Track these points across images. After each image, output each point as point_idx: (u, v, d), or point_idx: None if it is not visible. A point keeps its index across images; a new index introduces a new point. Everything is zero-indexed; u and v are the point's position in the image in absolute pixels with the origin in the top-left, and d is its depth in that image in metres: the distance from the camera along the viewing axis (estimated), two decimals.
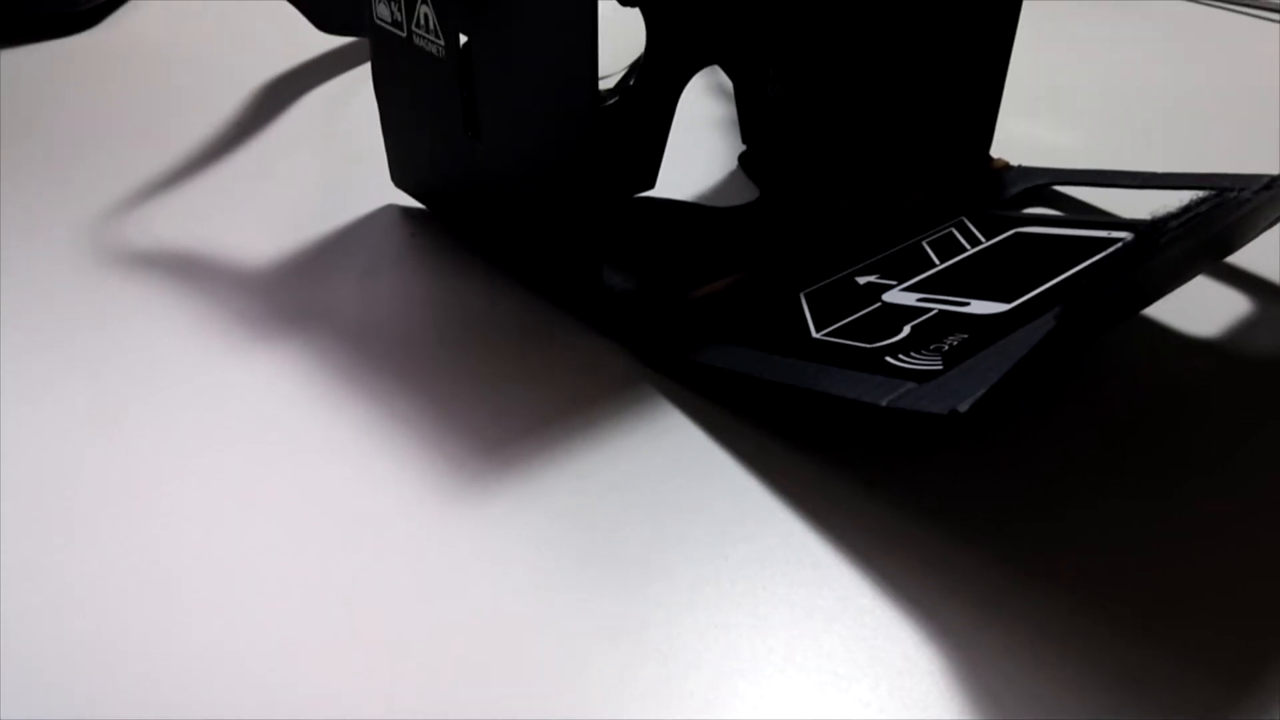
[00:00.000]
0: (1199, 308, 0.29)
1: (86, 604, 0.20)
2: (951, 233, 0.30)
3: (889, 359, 0.24)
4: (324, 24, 0.41)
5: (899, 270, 0.29)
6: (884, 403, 0.22)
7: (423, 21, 0.28)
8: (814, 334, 0.26)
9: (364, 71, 0.41)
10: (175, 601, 0.21)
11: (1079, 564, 0.22)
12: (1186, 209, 0.17)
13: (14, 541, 0.22)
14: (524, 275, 0.30)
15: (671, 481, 0.23)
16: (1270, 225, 0.26)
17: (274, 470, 0.24)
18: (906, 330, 0.25)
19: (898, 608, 0.21)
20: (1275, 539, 0.22)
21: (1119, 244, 0.17)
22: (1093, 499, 0.23)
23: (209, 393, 0.26)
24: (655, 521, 0.22)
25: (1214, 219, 0.18)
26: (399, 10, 0.29)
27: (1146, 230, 0.17)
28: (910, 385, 0.22)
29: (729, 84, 0.35)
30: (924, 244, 0.30)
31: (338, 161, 0.35)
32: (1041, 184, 0.34)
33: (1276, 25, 0.47)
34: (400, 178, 0.33)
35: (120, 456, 0.24)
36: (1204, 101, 0.40)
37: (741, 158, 0.36)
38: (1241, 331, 0.28)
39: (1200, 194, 0.18)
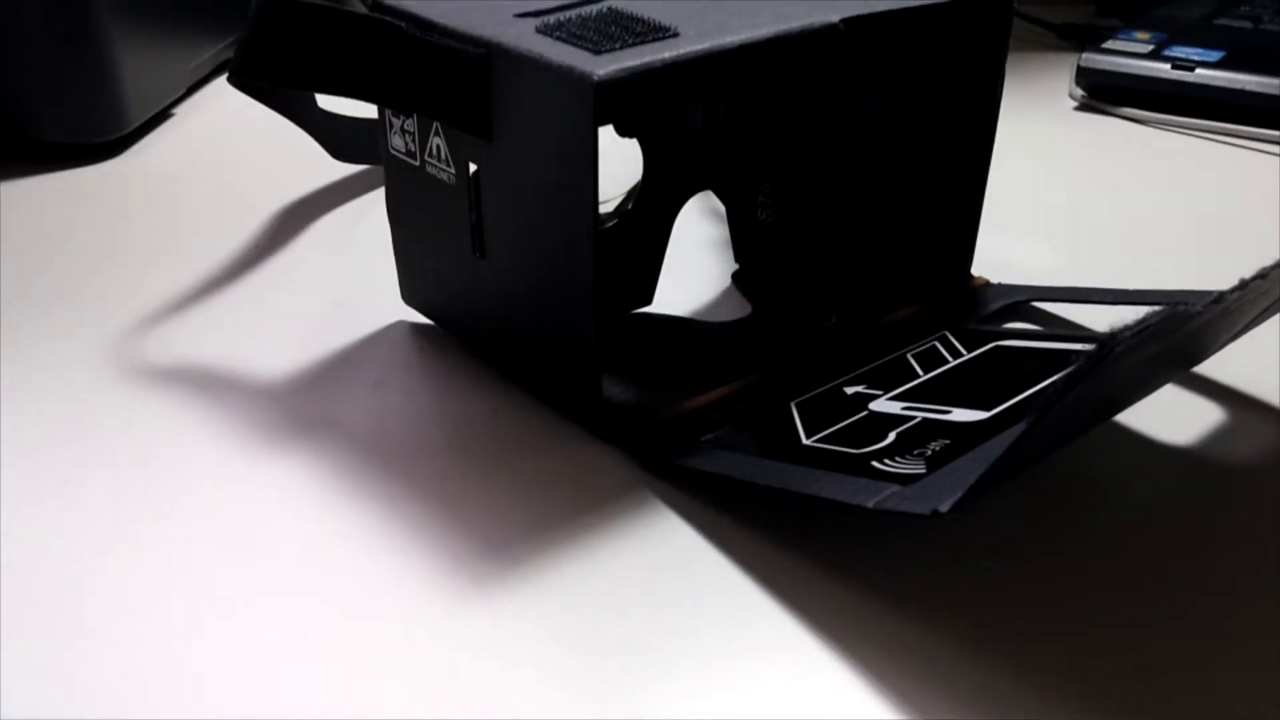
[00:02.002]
0: (1172, 416, 0.30)
1: (104, 701, 0.21)
2: (935, 346, 0.32)
3: (875, 463, 0.25)
4: (339, 153, 0.43)
5: (885, 381, 0.30)
6: (871, 504, 0.23)
7: (435, 151, 0.30)
8: (804, 440, 0.27)
9: (374, 197, 0.43)
10: (190, 694, 0.21)
11: (1059, 660, 0.22)
12: (1141, 321, 0.19)
13: (35, 641, 0.23)
14: (527, 386, 0.31)
15: (669, 581, 0.24)
16: (1234, 337, 0.28)
17: (287, 571, 0.25)
18: (892, 437, 0.26)
19: (887, 701, 0.21)
20: (1249, 642, 0.23)
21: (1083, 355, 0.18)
22: (1078, 607, 0.24)
23: (226, 498, 0.27)
24: (654, 620, 0.23)
25: (1166, 330, 0.19)
26: (412, 141, 0.31)
27: (1103, 341, 0.18)
28: (895, 487, 0.23)
29: (722, 207, 0.37)
30: (909, 356, 0.31)
31: (350, 280, 0.37)
32: (1020, 300, 0.35)
33: (1243, 150, 0.50)
34: (410, 295, 0.34)
35: (140, 559, 0.25)
36: (1173, 222, 0.42)
37: (734, 276, 0.38)
38: (1213, 440, 0.29)
39: (1155, 308, 0.19)
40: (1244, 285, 0.21)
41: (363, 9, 0.49)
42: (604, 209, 0.33)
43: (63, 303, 0.36)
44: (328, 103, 0.42)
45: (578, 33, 0.27)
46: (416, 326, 0.34)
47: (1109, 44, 0.56)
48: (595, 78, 0.25)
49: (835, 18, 0.29)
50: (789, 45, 0.28)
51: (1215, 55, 0.53)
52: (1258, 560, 0.25)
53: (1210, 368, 0.32)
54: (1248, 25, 0.58)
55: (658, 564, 0.25)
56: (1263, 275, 0.21)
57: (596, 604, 0.24)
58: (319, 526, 0.26)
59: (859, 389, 0.30)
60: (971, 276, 0.37)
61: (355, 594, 0.24)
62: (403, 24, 0.28)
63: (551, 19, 0.28)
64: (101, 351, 0.33)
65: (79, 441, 0.29)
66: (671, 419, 0.29)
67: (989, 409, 0.27)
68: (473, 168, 0.29)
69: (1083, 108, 0.55)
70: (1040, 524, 0.26)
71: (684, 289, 0.37)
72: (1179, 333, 0.21)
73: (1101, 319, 0.35)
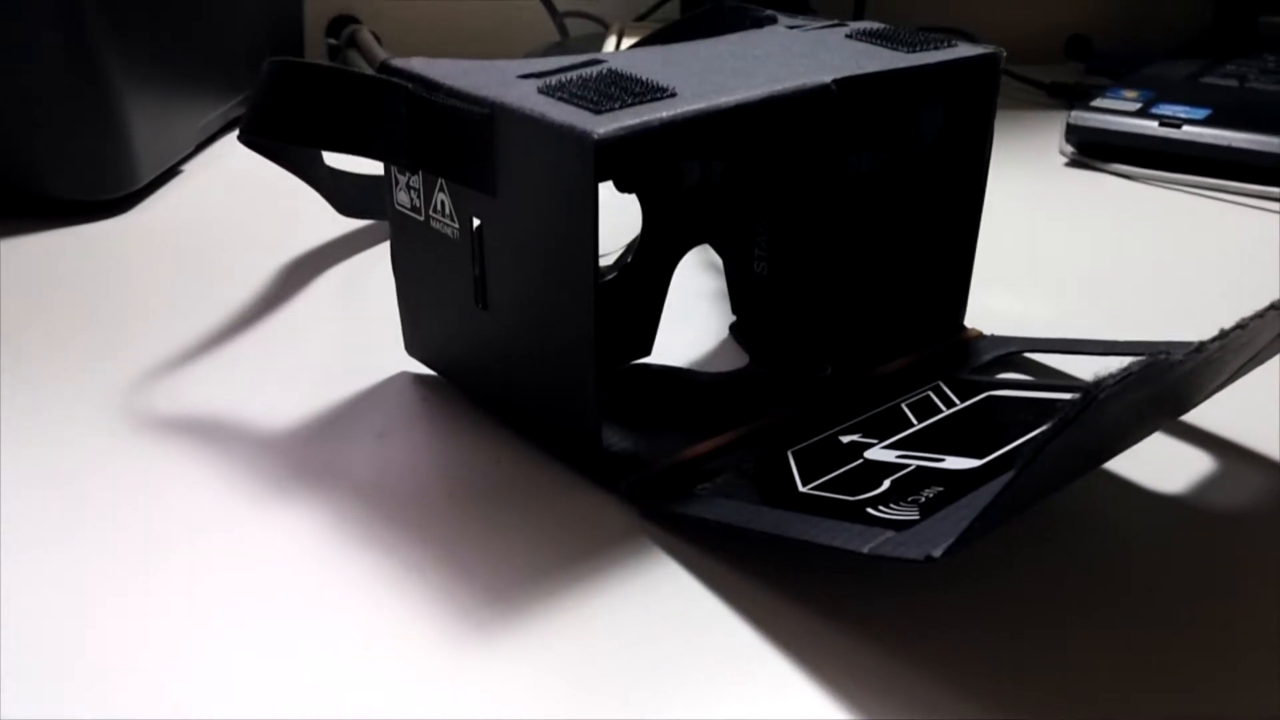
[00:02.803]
0: (1161, 463, 0.30)
1: None
2: (929, 396, 0.33)
3: (870, 510, 0.26)
4: (344, 209, 0.44)
5: (880, 430, 0.31)
6: (865, 550, 0.23)
7: (440, 207, 0.31)
8: (800, 488, 0.28)
9: (378, 251, 0.44)
10: None
11: (1053, 704, 0.23)
12: (1124, 370, 0.19)
13: (39, 688, 0.23)
14: (529, 435, 0.32)
15: (667, 629, 0.25)
16: (1221, 387, 0.28)
17: (291, 618, 0.25)
18: (886, 484, 0.27)
19: None
20: (1240, 685, 0.23)
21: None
22: (1069, 650, 0.24)
23: (231, 546, 0.27)
24: (651, 666, 0.24)
25: (1148, 379, 0.20)
26: (418, 197, 0.31)
27: (1088, 389, 0.19)
28: (889, 534, 0.24)
29: (719, 261, 0.37)
30: (903, 406, 0.32)
31: (354, 333, 0.38)
32: (1012, 351, 0.36)
33: (1229, 205, 0.51)
34: (413, 346, 0.35)
35: (145, 607, 0.25)
36: (1161, 274, 0.43)
37: (732, 327, 0.38)
38: (1201, 486, 0.30)
39: (1138, 358, 0.20)
40: (1224, 335, 0.22)
41: (368, 69, 0.50)
42: (604, 262, 0.33)
43: (72, 354, 0.36)
44: (334, 160, 0.43)
45: (578, 93, 0.28)
46: (420, 377, 0.35)
47: (1098, 102, 0.57)
48: (595, 136, 0.25)
49: (827, 78, 0.30)
50: (782, 105, 0.29)
51: (1201, 113, 0.55)
52: (1247, 603, 0.26)
53: (1198, 416, 0.33)
54: (1233, 84, 0.59)
55: (657, 610, 0.25)
56: (1242, 325, 0.22)
57: (597, 649, 0.24)
58: (323, 574, 0.26)
59: (854, 438, 0.30)
60: (964, 328, 0.37)
61: (358, 640, 0.24)
62: (409, 85, 0.29)
63: (553, 80, 0.29)
64: (110, 401, 0.34)
65: (86, 490, 0.29)
66: (670, 467, 0.30)
67: (981, 457, 0.28)
68: (476, 222, 0.30)
69: (1073, 164, 0.57)
70: (1032, 568, 0.27)
71: (682, 340, 0.38)
72: (1162, 381, 0.21)
73: (1092, 370, 0.35)
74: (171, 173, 0.53)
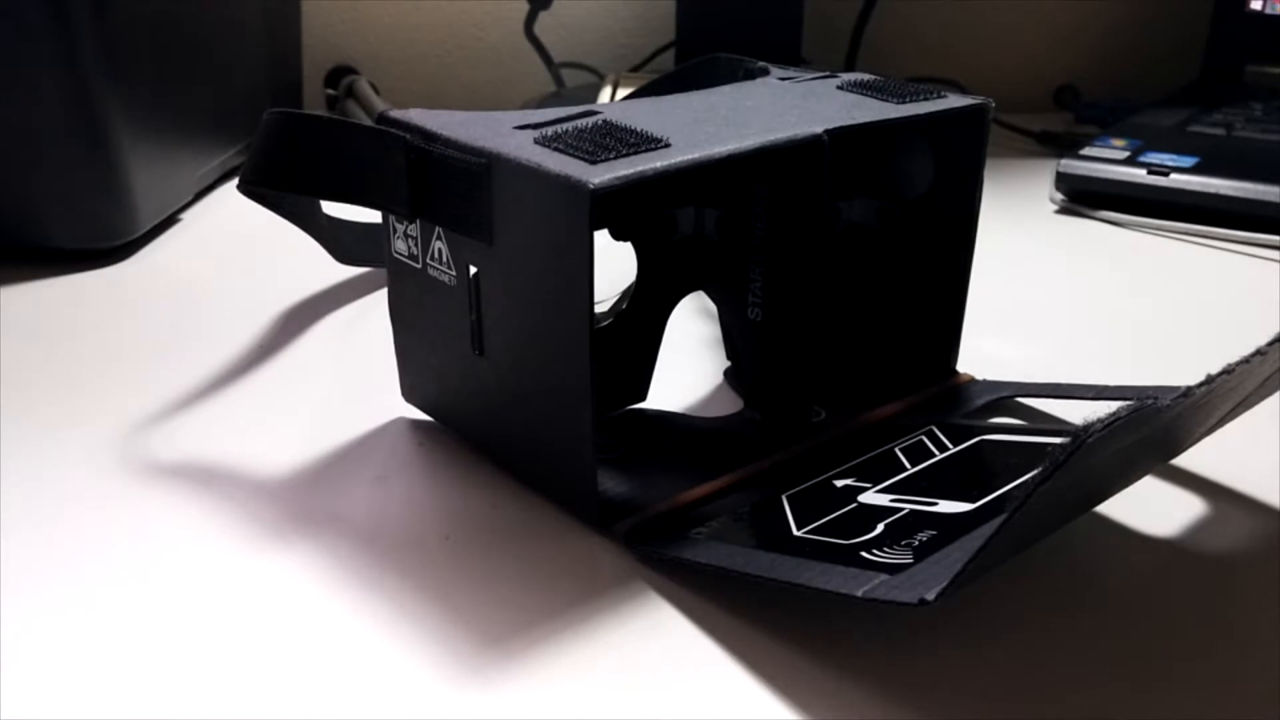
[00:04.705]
0: (1151, 507, 0.31)
1: None
2: (922, 440, 0.33)
3: (864, 554, 0.26)
4: (342, 257, 0.45)
5: (874, 474, 0.31)
6: (860, 593, 0.24)
7: (437, 255, 0.31)
8: (795, 532, 0.28)
9: (375, 299, 0.45)
10: None
11: None
12: (1111, 415, 0.20)
13: None
14: (525, 480, 0.32)
15: (663, 672, 0.25)
16: (1210, 431, 0.29)
17: (287, 661, 0.25)
18: (880, 528, 0.27)
19: None
20: None
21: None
22: (1061, 692, 0.25)
23: (229, 591, 0.27)
24: (647, 710, 0.24)
25: (1136, 423, 0.20)
26: (415, 245, 0.32)
27: (1076, 434, 0.19)
28: (883, 577, 0.24)
29: (713, 307, 0.38)
30: (896, 450, 0.32)
31: (351, 379, 0.38)
32: (1004, 396, 0.36)
33: (1216, 252, 0.51)
34: (410, 393, 0.35)
35: (142, 652, 0.25)
36: (1150, 320, 0.44)
37: (726, 373, 0.39)
38: (1192, 529, 0.30)
39: (1126, 402, 0.20)
40: (1211, 380, 0.22)
41: (366, 120, 0.51)
42: (600, 309, 0.34)
43: (70, 400, 0.37)
44: (332, 208, 0.44)
45: (574, 144, 0.28)
46: (416, 423, 0.35)
47: (1087, 150, 0.58)
48: (590, 185, 0.26)
49: (819, 128, 0.30)
50: (774, 155, 0.29)
51: (1189, 161, 0.55)
52: (1241, 645, 0.26)
53: (1189, 460, 0.33)
54: (1220, 132, 0.60)
55: (653, 654, 0.25)
56: (1229, 371, 0.22)
57: (593, 693, 0.24)
58: (320, 617, 0.26)
59: (848, 482, 0.30)
60: (956, 373, 0.38)
61: (354, 685, 0.24)
62: (407, 135, 0.30)
63: (549, 131, 0.29)
64: (108, 447, 0.34)
65: (82, 535, 0.29)
66: (666, 512, 0.30)
67: (974, 501, 0.28)
68: (473, 270, 0.30)
69: (1063, 211, 0.57)
70: (1025, 612, 0.27)
71: (677, 385, 0.38)
72: (1150, 425, 0.22)
73: (1083, 414, 0.36)
74: (170, 221, 0.54)
